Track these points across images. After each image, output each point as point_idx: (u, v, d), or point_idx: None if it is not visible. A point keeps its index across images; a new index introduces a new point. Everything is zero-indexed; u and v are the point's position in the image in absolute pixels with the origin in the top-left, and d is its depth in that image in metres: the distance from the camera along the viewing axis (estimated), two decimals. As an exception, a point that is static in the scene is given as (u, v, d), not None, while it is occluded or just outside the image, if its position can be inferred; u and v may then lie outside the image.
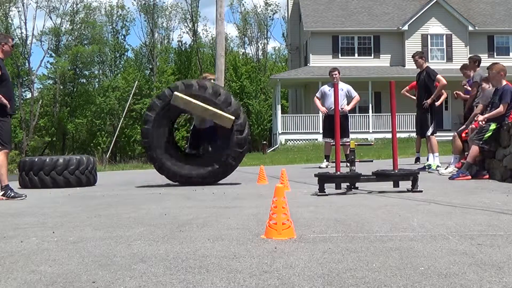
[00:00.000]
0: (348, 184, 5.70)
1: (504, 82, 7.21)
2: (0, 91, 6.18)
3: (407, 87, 10.55)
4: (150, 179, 9.00)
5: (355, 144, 6.04)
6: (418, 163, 10.31)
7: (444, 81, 8.87)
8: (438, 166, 8.47)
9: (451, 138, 8.65)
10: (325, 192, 5.39)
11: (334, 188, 5.52)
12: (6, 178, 6.29)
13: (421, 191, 5.37)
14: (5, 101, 6.16)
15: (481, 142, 6.97)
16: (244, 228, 3.37)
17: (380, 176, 5.65)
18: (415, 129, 10.90)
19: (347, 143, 11.13)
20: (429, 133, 8.81)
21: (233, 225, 3.51)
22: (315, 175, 5.57)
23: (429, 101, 8.82)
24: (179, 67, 50.17)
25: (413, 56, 9.23)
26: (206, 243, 2.85)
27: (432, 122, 8.86)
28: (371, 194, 5.48)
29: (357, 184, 5.78)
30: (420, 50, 9.61)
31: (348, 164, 5.95)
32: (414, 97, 10.66)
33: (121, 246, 2.84)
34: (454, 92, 9.94)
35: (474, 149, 7.01)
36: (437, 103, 9.07)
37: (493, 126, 6.94)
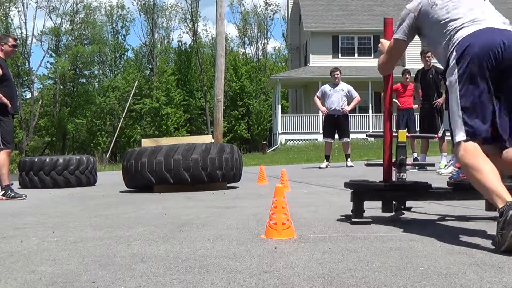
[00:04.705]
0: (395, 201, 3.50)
1: None
2: (1, 90, 6.22)
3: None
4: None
5: (406, 136, 3.51)
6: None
7: None
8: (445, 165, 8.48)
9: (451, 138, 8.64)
10: (363, 216, 3.25)
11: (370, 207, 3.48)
12: (7, 178, 6.30)
13: None
14: (5, 100, 6.19)
15: None
16: (244, 228, 3.37)
17: (461, 190, 3.25)
18: (405, 129, 10.85)
19: (346, 142, 11.16)
20: (440, 133, 8.74)
21: (233, 225, 3.51)
22: (347, 185, 3.39)
23: (440, 100, 8.68)
24: (179, 67, 50.19)
25: (426, 52, 8.78)
26: (206, 243, 2.85)
27: (442, 122, 8.77)
28: (427, 218, 3.53)
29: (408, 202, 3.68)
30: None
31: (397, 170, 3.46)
32: (396, 101, 10.61)
33: (121, 246, 2.84)
34: None
35: None
36: (441, 101, 8.85)
37: None
